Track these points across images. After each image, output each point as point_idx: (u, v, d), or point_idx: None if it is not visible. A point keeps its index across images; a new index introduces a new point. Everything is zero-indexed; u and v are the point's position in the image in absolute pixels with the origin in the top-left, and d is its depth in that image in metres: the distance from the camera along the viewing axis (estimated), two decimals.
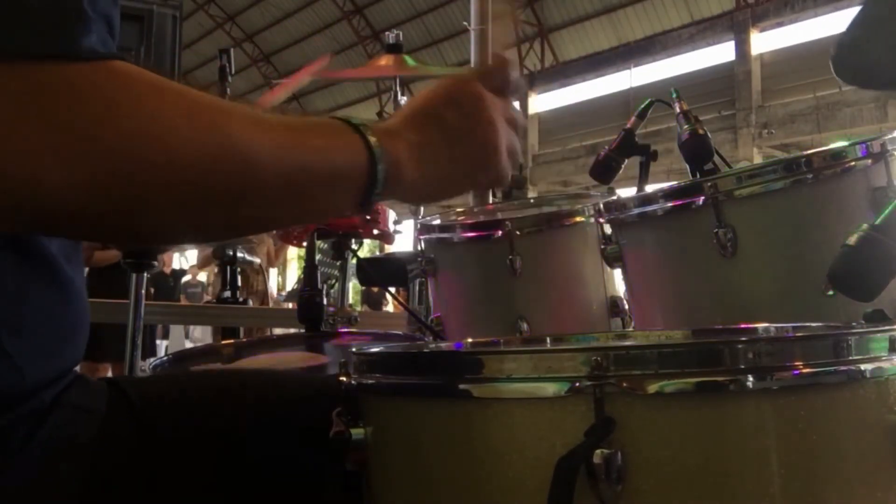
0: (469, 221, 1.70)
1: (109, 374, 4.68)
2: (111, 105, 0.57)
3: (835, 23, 13.82)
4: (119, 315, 2.56)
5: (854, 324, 0.90)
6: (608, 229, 1.40)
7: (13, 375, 0.70)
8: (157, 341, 7.95)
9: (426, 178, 0.76)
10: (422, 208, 2.85)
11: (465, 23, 3.38)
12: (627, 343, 1.04)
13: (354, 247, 2.27)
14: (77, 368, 0.82)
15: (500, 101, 0.82)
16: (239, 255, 3.53)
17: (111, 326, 3.53)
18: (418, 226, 1.80)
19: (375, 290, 8.47)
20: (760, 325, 0.97)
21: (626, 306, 1.50)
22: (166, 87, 0.61)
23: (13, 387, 0.70)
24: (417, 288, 2.75)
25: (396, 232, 2.63)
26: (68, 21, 0.57)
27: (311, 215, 0.74)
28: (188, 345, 7.07)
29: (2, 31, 0.55)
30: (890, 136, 1.13)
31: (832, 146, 1.15)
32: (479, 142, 0.79)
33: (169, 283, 6.75)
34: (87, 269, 4.67)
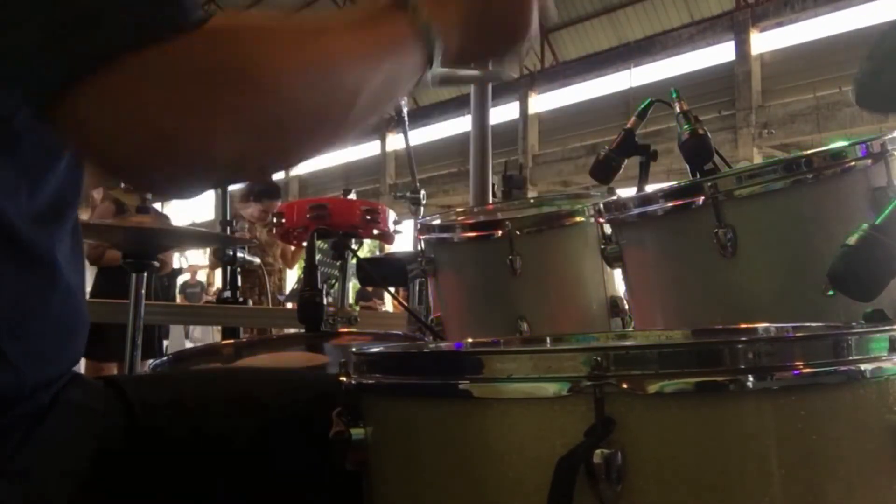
0: (469, 221, 1.70)
1: (114, 373, 4.68)
2: (242, 60, 0.61)
3: (835, 23, 13.84)
4: (119, 315, 2.56)
5: (854, 324, 0.90)
6: (608, 229, 1.40)
7: (12, 378, 0.70)
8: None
9: (461, 40, 0.78)
10: (421, 208, 2.86)
11: None
12: (627, 343, 1.04)
13: (354, 247, 2.27)
14: (81, 368, 0.82)
15: None
16: (239, 255, 3.53)
17: (116, 326, 3.53)
18: (418, 226, 1.80)
19: (370, 288, 8.47)
20: (760, 325, 0.97)
21: (626, 306, 1.50)
22: (274, 28, 0.65)
23: (11, 389, 0.70)
24: (417, 288, 2.75)
25: (396, 232, 2.63)
26: None
27: (389, 102, 0.78)
28: (188, 345, 7.06)
29: (153, 10, 0.58)
30: (890, 136, 1.13)
31: (832, 146, 1.15)
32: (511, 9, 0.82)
33: (164, 283, 6.73)
34: (96, 269, 4.68)
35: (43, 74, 0.57)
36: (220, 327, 4.45)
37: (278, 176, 23.72)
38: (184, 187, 0.66)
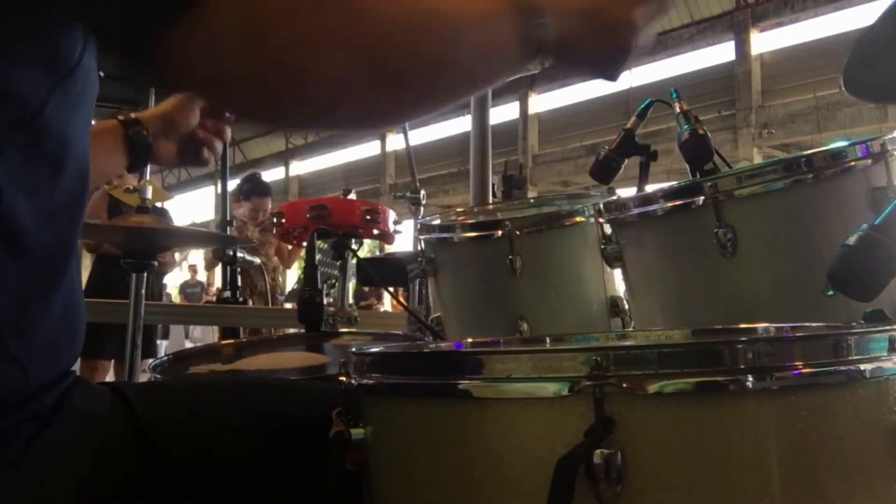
0: (469, 221, 1.70)
1: (111, 371, 4.68)
2: None
3: (835, 23, 13.84)
4: (119, 315, 2.56)
5: (854, 324, 0.90)
6: (608, 229, 1.40)
7: (18, 377, 0.70)
8: (158, 341, 7.94)
9: (580, 44, 0.79)
10: (421, 208, 2.86)
11: None
12: (627, 343, 1.04)
13: (354, 247, 2.27)
14: (76, 367, 0.82)
15: None
16: (239, 255, 3.53)
17: (112, 324, 3.53)
18: (418, 226, 1.80)
19: (367, 288, 8.48)
20: (760, 325, 0.97)
21: (626, 306, 1.50)
22: None
23: (17, 389, 0.70)
24: (417, 288, 2.74)
25: (396, 232, 2.63)
26: None
27: (492, 77, 0.78)
28: (188, 345, 7.05)
29: None
30: (890, 136, 1.13)
31: (832, 146, 1.15)
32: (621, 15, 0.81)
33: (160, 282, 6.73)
34: (94, 257, 4.67)
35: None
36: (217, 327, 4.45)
37: (278, 176, 23.73)
38: (291, 118, 0.67)
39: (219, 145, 1.36)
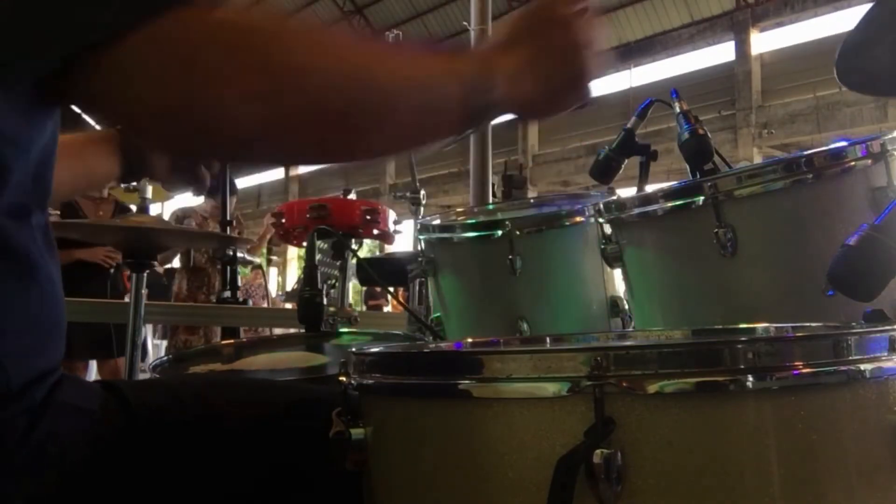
0: (469, 221, 1.70)
1: (93, 374, 4.65)
2: (263, 39, 0.64)
3: (835, 23, 13.83)
4: (119, 315, 2.56)
5: (854, 324, 0.90)
6: (608, 229, 1.40)
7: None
8: (157, 341, 7.93)
9: (518, 95, 0.81)
10: (421, 208, 2.86)
11: (464, 23, 3.39)
12: (627, 343, 1.04)
13: (354, 247, 2.27)
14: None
15: (580, 17, 0.88)
16: (239, 255, 3.53)
17: (80, 325, 3.52)
18: (418, 226, 1.80)
19: (378, 289, 8.49)
20: (760, 325, 0.97)
21: (626, 306, 1.50)
22: (311, 26, 0.68)
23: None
24: (417, 288, 2.75)
25: (396, 232, 2.63)
26: None
27: (427, 138, 0.80)
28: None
29: None
30: (890, 136, 1.13)
31: (832, 146, 1.15)
32: (565, 59, 0.85)
33: (162, 283, 6.72)
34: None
35: (47, 49, 0.58)
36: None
37: (278, 175, 23.72)
38: (205, 155, 0.68)
39: (215, 164, 1.38)
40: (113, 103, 0.63)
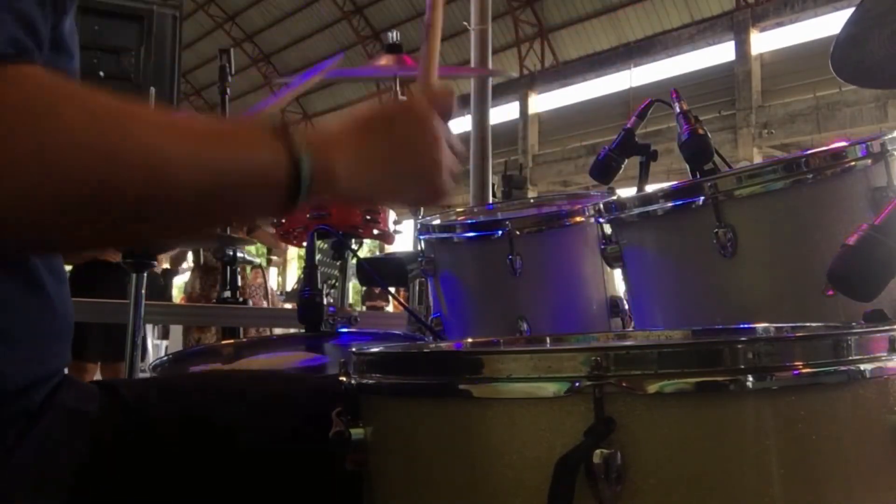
0: (469, 221, 1.70)
1: (98, 375, 4.65)
2: (19, 112, 0.57)
3: (835, 23, 13.82)
4: (119, 315, 2.56)
5: (854, 324, 0.90)
6: (608, 229, 1.40)
7: None
8: (157, 341, 7.92)
9: (362, 183, 0.78)
10: (421, 208, 2.86)
11: (465, 23, 3.39)
12: (627, 343, 1.04)
13: (354, 247, 2.27)
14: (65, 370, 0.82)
15: (443, 123, 0.84)
16: (239, 255, 3.53)
17: (95, 326, 3.51)
18: (418, 226, 1.80)
19: (377, 290, 8.48)
20: (760, 325, 0.97)
21: (626, 306, 1.50)
22: (73, 94, 0.61)
23: None
24: (417, 288, 2.75)
25: (396, 232, 2.63)
26: None
27: (227, 219, 0.76)
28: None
29: None
30: (890, 136, 1.13)
31: (832, 146, 1.15)
32: (422, 156, 0.81)
33: (160, 283, 6.72)
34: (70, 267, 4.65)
35: None
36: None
37: None
38: None
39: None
40: None
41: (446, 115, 0.86)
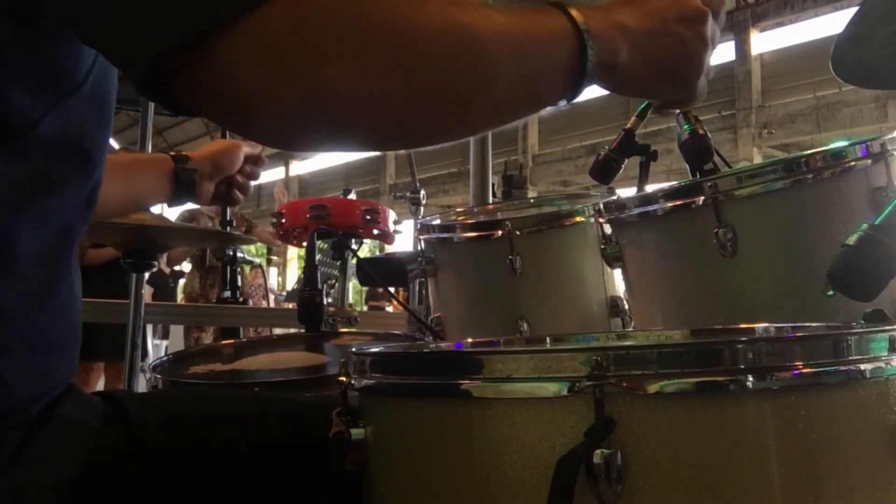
0: (469, 221, 1.71)
1: (102, 373, 4.66)
2: (389, 11, 0.61)
3: (835, 23, 13.83)
4: (119, 315, 2.56)
5: (854, 324, 0.90)
6: (608, 229, 1.40)
7: (3, 393, 0.69)
8: (157, 341, 7.93)
9: (635, 70, 0.78)
10: (421, 208, 2.86)
11: None
12: (627, 343, 1.04)
13: (354, 247, 2.27)
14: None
15: (714, 24, 0.84)
16: (239, 255, 3.53)
17: (105, 326, 3.51)
18: (418, 226, 1.80)
19: (381, 290, 8.49)
20: (760, 325, 0.97)
21: (626, 306, 1.50)
22: None
23: (2, 404, 0.70)
24: (417, 288, 2.75)
25: (396, 232, 2.63)
26: None
27: (532, 105, 0.76)
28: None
29: None
30: (890, 136, 1.13)
31: (832, 146, 1.15)
32: (690, 52, 0.82)
33: (169, 284, 6.72)
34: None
35: (181, 23, 0.56)
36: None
37: (278, 175, 23.67)
38: (329, 142, 0.65)
39: (250, 186, 1.44)
40: (249, 88, 0.58)
41: (718, 17, 0.86)
